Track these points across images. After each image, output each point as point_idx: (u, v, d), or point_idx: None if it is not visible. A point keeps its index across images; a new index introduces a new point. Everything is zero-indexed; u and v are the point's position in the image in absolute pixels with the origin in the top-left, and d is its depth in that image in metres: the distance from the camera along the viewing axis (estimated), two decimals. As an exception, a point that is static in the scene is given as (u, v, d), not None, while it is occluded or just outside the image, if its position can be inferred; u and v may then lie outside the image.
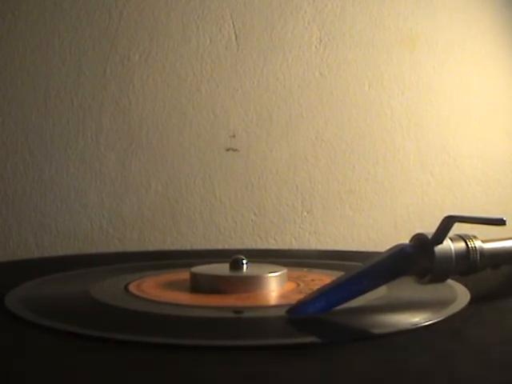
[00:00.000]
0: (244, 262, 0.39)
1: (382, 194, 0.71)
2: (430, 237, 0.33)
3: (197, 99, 0.68)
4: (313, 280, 0.41)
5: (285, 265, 0.41)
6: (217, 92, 0.68)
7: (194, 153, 0.68)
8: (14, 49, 0.64)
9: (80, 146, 0.66)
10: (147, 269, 0.47)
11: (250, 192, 0.68)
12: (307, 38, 0.70)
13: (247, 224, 0.68)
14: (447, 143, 0.72)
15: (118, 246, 0.65)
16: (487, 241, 0.36)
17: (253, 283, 0.37)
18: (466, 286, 0.38)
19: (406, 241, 0.34)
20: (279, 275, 0.39)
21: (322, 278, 0.41)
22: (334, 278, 0.33)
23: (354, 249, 0.68)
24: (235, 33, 0.68)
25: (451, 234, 0.34)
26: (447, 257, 0.33)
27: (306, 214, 0.69)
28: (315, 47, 0.70)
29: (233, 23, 0.68)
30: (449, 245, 0.33)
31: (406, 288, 0.36)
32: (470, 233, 0.35)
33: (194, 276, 0.39)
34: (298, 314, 0.31)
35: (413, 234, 0.34)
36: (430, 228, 0.34)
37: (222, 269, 0.40)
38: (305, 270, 0.46)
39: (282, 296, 0.37)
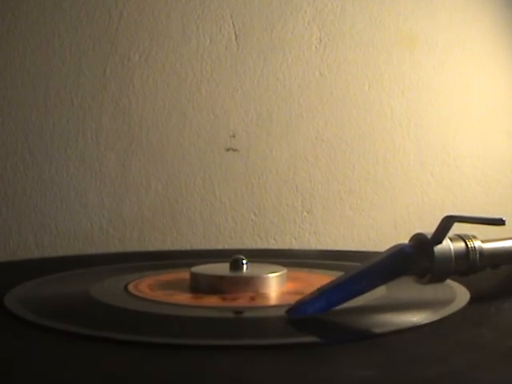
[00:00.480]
0: (244, 261, 0.39)
1: (381, 194, 0.71)
2: (429, 237, 0.33)
3: (197, 99, 0.68)
4: (313, 280, 0.41)
5: (285, 265, 0.41)
6: (217, 92, 0.68)
7: (194, 153, 0.68)
8: (14, 49, 0.64)
9: (80, 146, 0.66)
10: (147, 269, 0.47)
11: (250, 192, 0.68)
12: (307, 38, 0.70)
13: (247, 224, 0.68)
14: (447, 143, 0.72)
15: (118, 246, 0.65)
16: (487, 241, 0.36)
17: (253, 283, 0.37)
18: (465, 286, 0.38)
19: (406, 241, 0.34)
20: (279, 275, 0.39)
21: (321, 278, 0.41)
22: (333, 277, 0.33)
23: (354, 249, 0.68)
24: (235, 33, 0.68)
25: (451, 233, 0.34)
26: (447, 257, 0.33)
27: (306, 213, 0.69)
28: (315, 47, 0.70)
29: (233, 23, 0.68)
30: (448, 245, 0.33)
31: (405, 288, 0.36)
32: (469, 233, 0.35)
33: (194, 276, 0.39)
34: (297, 314, 0.31)
35: (413, 234, 0.34)
36: (429, 228, 0.34)
37: (222, 269, 0.40)
38: (305, 270, 0.46)
39: (282, 296, 0.37)
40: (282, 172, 0.69)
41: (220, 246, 0.67)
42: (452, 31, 0.73)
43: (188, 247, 0.67)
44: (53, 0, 0.65)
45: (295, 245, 0.69)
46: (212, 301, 0.36)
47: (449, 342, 0.28)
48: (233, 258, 0.40)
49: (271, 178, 0.69)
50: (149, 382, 0.23)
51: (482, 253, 0.35)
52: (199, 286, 0.39)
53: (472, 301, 0.35)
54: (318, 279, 0.41)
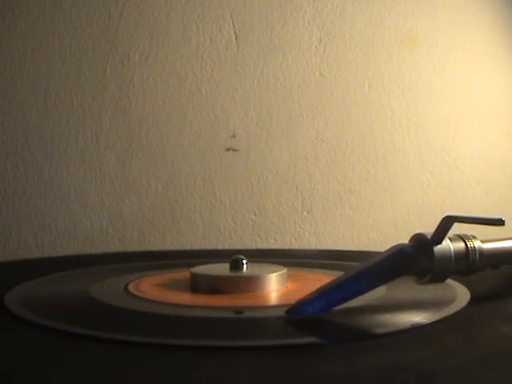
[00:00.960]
0: (244, 261, 0.39)
1: (382, 194, 0.71)
2: (429, 237, 0.33)
3: (197, 99, 0.68)
4: (313, 280, 0.41)
5: (285, 265, 0.41)
6: (217, 92, 0.68)
7: (194, 153, 0.68)
8: (14, 49, 0.64)
9: (80, 146, 0.66)
10: (147, 269, 0.47)
11: (250, 192, 0.68)
12: (307, 38, 0.70)
13: (247, 224, 0.68)
14: (447, 143, 0.72)
15: (118, 246, 0.65)
16: (486, 241, 0.36)
17: (253, 283, 0.37)
18: (465, 286, 0.38)
19: (406, 241, 0.34)
20: (279, 275, 0.39)
21: (321, 278, 0.41)
22: (333, 277, 0.33)
23: (354, 249, 0.68)
24: (235, 33, 0.68)
25: (451, 233, 0.34)
26: (446, 257, 0.33)
27: (305, 213, 0.69)
28: (315, 47, 0.70)
29: (233, 23, 0.68)
30: (448, 245, 0.33)
31: (405, 288, 0.36)
32: (469, 233, 0.35)
33: (194, 276, 0.39)
34: (297, 314, 0.31)
35: (413, 234, 0.34)
36: (429, 228, 0.34)
37: (222, 269, 0.40)
38: (305, 270, 0.46)
39: (282, 296, 0.37)
40: (282, 172, 0.69)
41: (220, 246, 0.67)
42: (452, 31, 0.73)
43: (188, 247, 0.67)
44: (53, 0, 0.65)
45: (295, 245, 0.69)
46: (212, 301, 0.36)
47: (449, 343, 0.28)
48: (233, 258, 0.40)
49: (271, 178, 0.69)
50: (149, 381, 0.23)
51: (482, 253, 0.35)
52: (199, 285, 0.39)
53: (472, 301, 0.35)
54: (318, 279, 0.41)
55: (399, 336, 0.29)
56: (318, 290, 0.32)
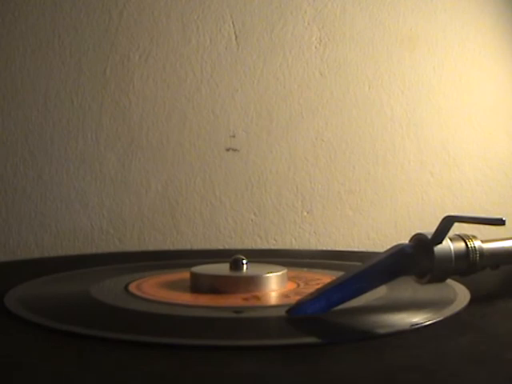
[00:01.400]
0: (244, 261, 0.39)
1: (381, 194, 0.71)
2: (429, 237, 0.33)
3: (197, 99, 0.68)
4: (313, 280, 0.41)
5: (285, 265, 0.41)
6: (217, 92, 0.68)
7: (194, 153, 0.68)
8: (14, 49, 0.64)
9: (80, 146, 0.66)
10: (147, 269, 0.47)
11: (250, 192, 0.68)
12: (307, 38, 0.70)
13: (247, 224, 0.68)
14: (447, 143, 0.72)
15: (118, 246, 0.65)
16: (487, 241, 0.36)
17: (253, 283, 0.37)
18: (465, 286, 0.38)
19: (406, 241, 0.34)
20: (279, 275, 0.39)
21: (321, 278, 0.42)
22: (333, 277, 0.33)
23: (354, 249, 0.68)
24: (235, 33, 0.68)
25: (451, 233, 0.34)
26: (447, 257, 0.33)
27: (305, 214, 0.69)
28: (315, 47, 0.70)
29: (233, 23, 0.68)
30: (448, 245, 0.33)
31: (405, 288, 0.36)
32: (469, 233, 0.35)
33: (193, 276, 0.39)
34: (297, 314, 0.31)
35: (413, 233, 0.34)
36: (429, 228, 0.34)
37: (221, 269, 0.40)
38: (305, 269, 0.46)
39: (282, 296, 0.37)
40: (282, 172, 0.69)
41: (220, 246, 0.67)
42: (452, 31, 0.73)
43: (188, 247, 0.67)
44: (53, 0, 0.65)
45: (295, 245, 0.69)
46: (212, 301, 0.36)
47: (450, 343, 0.28)
48: (233, 258, 0.40)
49: (271, 178, 0.69)
50: (149, 382, 0.23)
51: (482, 253, 0.35)
52: (199, 285, 0.39)
53: (472, 301, 0.35)
54: (318, 279, 0.41)
55: (399, 336, 0.29)
56: (317, 290, 0.32)
